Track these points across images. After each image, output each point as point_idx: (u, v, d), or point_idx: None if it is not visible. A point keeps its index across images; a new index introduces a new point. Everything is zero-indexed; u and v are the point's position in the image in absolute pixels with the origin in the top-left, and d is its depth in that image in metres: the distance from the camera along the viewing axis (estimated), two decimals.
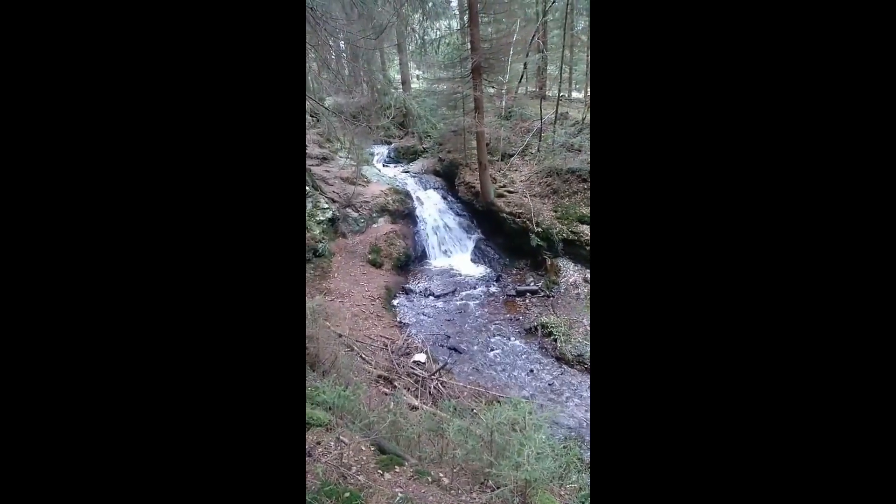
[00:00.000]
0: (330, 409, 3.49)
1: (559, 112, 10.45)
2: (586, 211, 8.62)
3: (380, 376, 5.69)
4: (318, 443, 3.10)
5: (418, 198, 10.26)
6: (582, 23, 12.28)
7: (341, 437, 3.22)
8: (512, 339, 7.08)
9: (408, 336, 7.00)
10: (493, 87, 10.92)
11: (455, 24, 12.65)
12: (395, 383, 5.61)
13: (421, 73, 14.14)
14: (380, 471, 3.04)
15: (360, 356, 6.00)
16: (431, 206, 10.18)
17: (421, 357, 6.39)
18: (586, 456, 4.45)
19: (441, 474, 3.16)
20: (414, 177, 11.23)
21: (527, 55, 10.58)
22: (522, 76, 11.84)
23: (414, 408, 5.04)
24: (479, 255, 9.60)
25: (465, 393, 5.75)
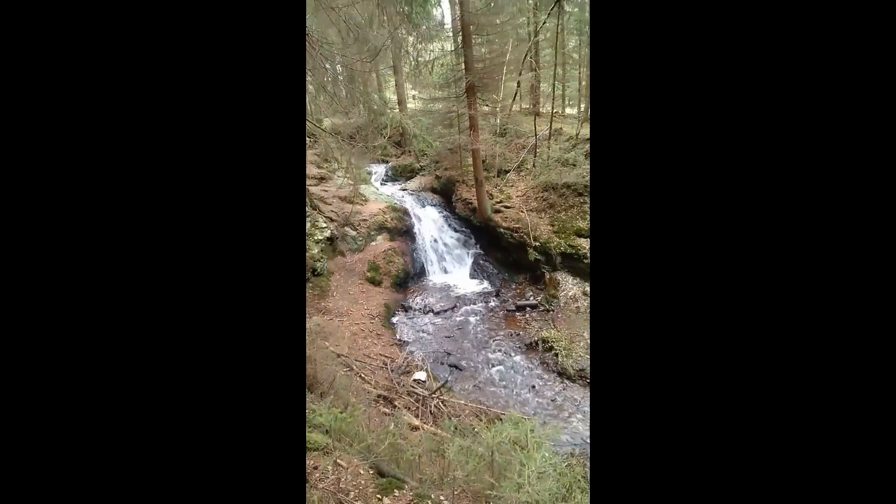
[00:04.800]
0: (327, 432, 3.43)
1: (553, 128, 10.58)
2: (583, 224, 8.65)
3: (379, 396, 5.61)
4: (315, 467, 3.04)
5: (416, 215, 10.30)
6: (573, 42, 12.53)
7: (339, 461, 3.16)
8: (513, 354, 7.01)
9: (408, 354, 6.93)
10: (487, 105, 11.08)
11: (449, 46, 12.91)
12: (396, 403, 5.54)
13: (416, 93, 14.37)
14: (378, 496, 2.98)
15: (360, 376, 5.93)
16: (429, 223, 10.21)
17: (421, 375, 6.32)
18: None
19: (442, 497, 3.09)
20: (411, 194, 11.30)
21: (520, 74, 10.79)
22: (516, 94, 12.06)
23: (414, 428, 4.97)
24: (477, 271, 9.58)
25: (467, 411, 5.66)
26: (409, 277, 9.41)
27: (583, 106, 12.47)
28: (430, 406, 5.61)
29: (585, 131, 10.25)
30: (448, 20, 13.36)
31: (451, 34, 12.73)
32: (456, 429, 4.48)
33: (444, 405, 5.68)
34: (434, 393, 5.83)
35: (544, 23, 10.56)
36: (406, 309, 8.56)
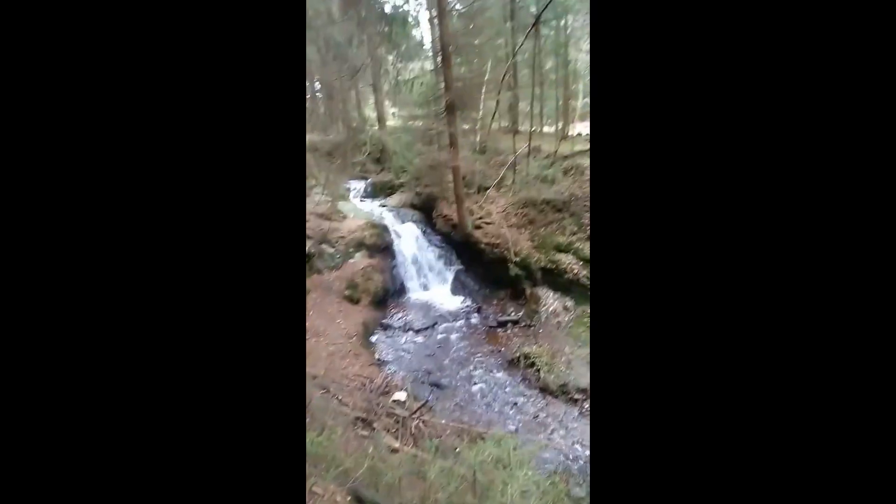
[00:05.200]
0: None
1: (532, 145, 10.78)
2: (562, 240, 8.75)
3: (357, 418, 5.41)
4: None
5: (396, 231, 10.21)
6: (549, 63, 12.91)
7: (314, 489, 2.99)
8: (495, 371, 6.92)
9: (387, 374, 6.76)
10: (467, 124, 11.22)
11: (429, 65, 13.10)
12: (374, 425, 5.35)
13: (396, 110, 14.48)
14: None
15: (336, 397, 5.73)
16: (410, 239, 10.13)
17: (401, 395, 6.15)
18: (574, 491, 4.27)
19: None
20: (391, 211, 11.23)
21: (498, 93, 11.00)
22: (495, 112, 12.27)
23: (394, 450, 4.79)
24: (458, 287, 9.52)
25: (448, 430, 5.51)
26: (389, 295, 9.27)
27: (560, 124, 12.78)
28: (411, 427, 5.43)
29: (563, 149, 10.46)
30: (427, 40, 13.58)
31: (430, 54, 12.93)
32: (437, 449, 4.35)
33: (425, 425, 5.51)
34: (414, 413, 5.66)
35: (522, 44, 10.85)
36: (385, 327, 8.40)
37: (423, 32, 14.41)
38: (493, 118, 12.47)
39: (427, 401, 6.06)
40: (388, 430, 5.31)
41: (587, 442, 5.35)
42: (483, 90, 11.10)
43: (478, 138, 11.90)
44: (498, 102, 11.57)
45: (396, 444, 4.92)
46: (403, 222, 10.64)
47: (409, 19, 11.18)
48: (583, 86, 15.04)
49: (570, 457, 5.11)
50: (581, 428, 5.61)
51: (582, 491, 4.51)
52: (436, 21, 9.36)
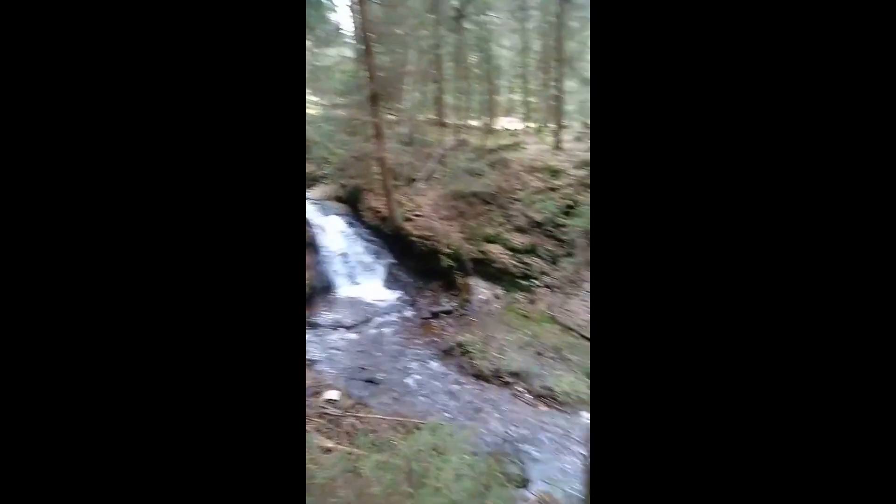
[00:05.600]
0: None
1: (459, 139, 10.89)
2: (491, 231, 8.97)
3: None
4: None
5: (319, 225, 9.76)
6: (475, 57, 13.12)
7: None
8: (430, 362, 6.91)
9: (317, 374, 6.44)
10: (392, 115, 11.01)
11: (347, 52, 12.62)
12: (305, 426, 5.07)
13: (317, 98, 13.80)
14: None
15: None
16: (335, 233, 9.74)
17: (333, 394, 5.90)
18: (509, 469, 4.40)
19: None
20: (314, 204, 10.71)
21: (424, 85, 10.95)
22: (420, 104, 12.21)
23: (327, 450, 4.59)
24: (391, 280, 9.37)
25: (384, 425, 5.40)
26: (315, 292, 8.82)
27: (486, 118, 13.07)
28: (345, 425, 5.24)
29: (490, 142, 10.71)
30: (346, 26, 13.07)
31: (350, 41, 12.48)
32: (373, 444, 4.25)
33: (361, 422, 5.35)
34: (348, 411, 5.46)
35: (445, 37, 10.87)
36: (313, 326, 8.01)
37: (341, 18, 13.87)
38: (419, 110, 12.39)
39: (361, 397, 5.88)
40: (320, 431, 5.06)
41: (519, 422, 5.54)
42: (409, 81, 10.97)
43: (406, 129, 11.76)
44: (425, 94, 11.52)
45: (330, 444, 4.71)
46: (327, 215, 10.20)
47: (325, 2, 10.65)
48: (506, 81, 15.51)
49: (505, 438, 5.26)
50: (514, 410, 5.80)
51: (516, 468, 4.66)
52: (356, 7, 9.03)
